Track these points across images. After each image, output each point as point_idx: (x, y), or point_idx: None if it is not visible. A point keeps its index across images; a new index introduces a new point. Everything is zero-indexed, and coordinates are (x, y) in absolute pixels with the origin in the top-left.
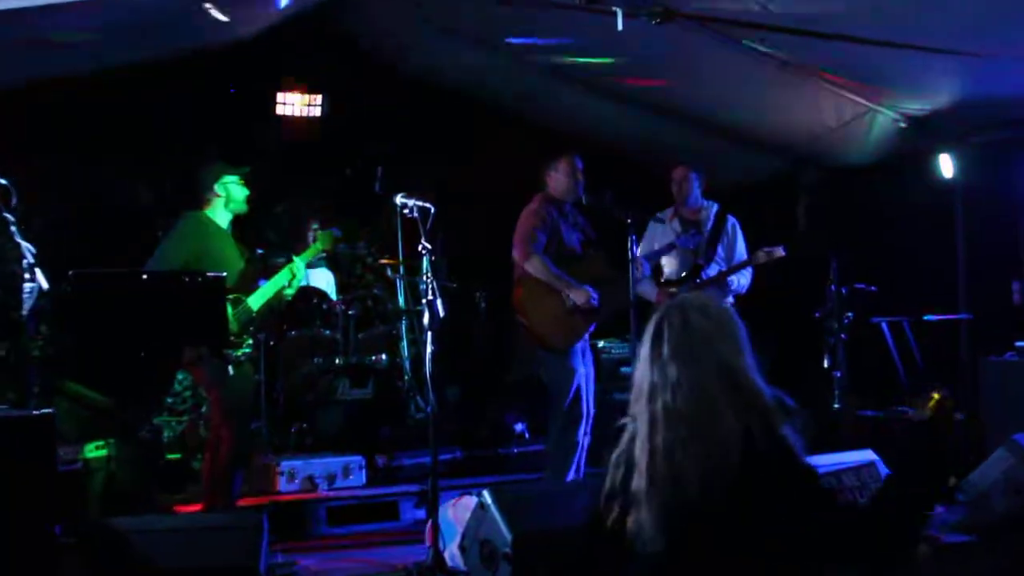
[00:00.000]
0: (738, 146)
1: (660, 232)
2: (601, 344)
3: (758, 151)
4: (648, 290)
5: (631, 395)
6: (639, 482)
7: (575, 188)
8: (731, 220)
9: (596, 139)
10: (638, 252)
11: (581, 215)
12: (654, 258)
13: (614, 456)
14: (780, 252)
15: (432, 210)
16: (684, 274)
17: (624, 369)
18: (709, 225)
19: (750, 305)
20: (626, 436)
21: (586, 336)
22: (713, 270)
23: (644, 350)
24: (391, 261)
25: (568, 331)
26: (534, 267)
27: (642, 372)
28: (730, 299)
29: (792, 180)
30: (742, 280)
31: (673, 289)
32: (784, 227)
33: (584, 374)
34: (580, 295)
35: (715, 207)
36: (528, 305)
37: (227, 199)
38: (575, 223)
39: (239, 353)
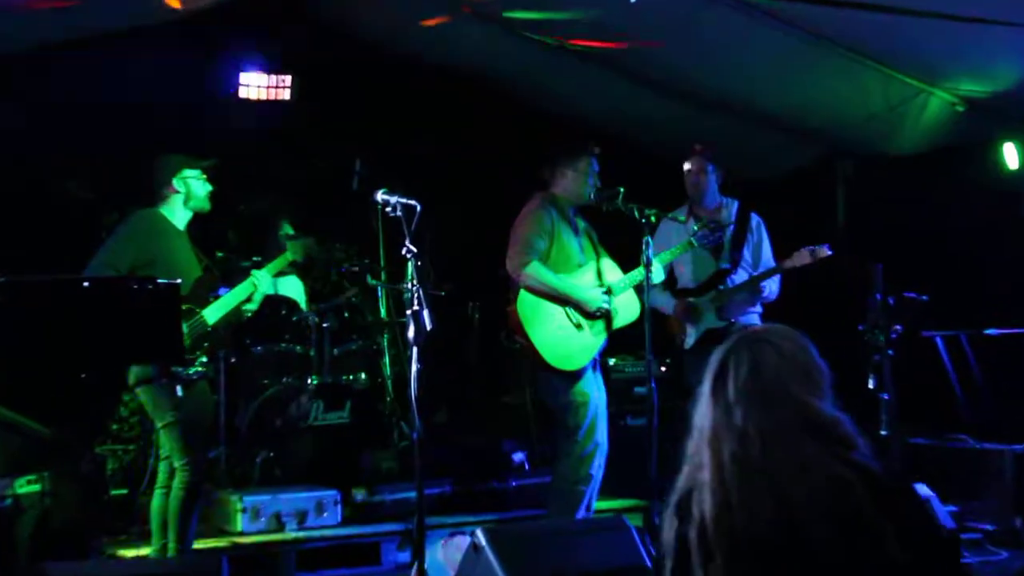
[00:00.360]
0: (769, 134)
1: (676, 233)
2: (612, 362)
3: (792, 139)
4: (662, 301)
5: (691, 436)
6: (718, 542)
7: (587, 192)
8: (755, 218)
9: (605, 125)
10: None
11: (584, 218)
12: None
13: (673, 503)
14: (826, 251)
15: (418, 208)
16: (704, 281)
17: (638, 389)
18: (731, 225)
19: (780, 316)
20: (683, 482)
21: (597, 354)
22: (740, 276)
23: (705, 387)
24: (372, 266)
25: (577, 349)
26: (532, 277)
27: (702, 412)
28: (759, 309)
29: (831, 172)
30: (772, 286)
31: (692, 299)
32: (821, 226)
33: (598, 398)
34: (589, 301)
35: (735, 204)
36: (528, 322)
37: (187, 196)
38: (577, 228)
39: (192, 371)
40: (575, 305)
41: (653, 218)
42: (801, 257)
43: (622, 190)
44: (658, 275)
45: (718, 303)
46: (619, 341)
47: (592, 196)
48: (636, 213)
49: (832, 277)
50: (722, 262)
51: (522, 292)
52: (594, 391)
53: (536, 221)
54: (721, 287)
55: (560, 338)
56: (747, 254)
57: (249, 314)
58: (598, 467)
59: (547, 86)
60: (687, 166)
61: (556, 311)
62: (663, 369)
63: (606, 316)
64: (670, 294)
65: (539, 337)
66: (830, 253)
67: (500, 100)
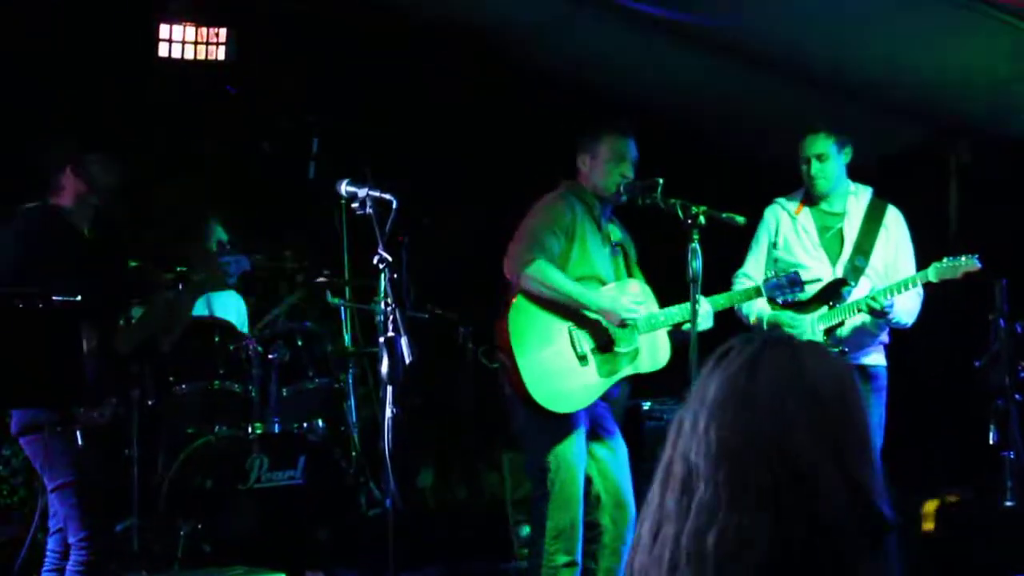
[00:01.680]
0: (859, 110)
1: (788, 228)
2: (647, 406)
3: (890, 116)
4: (758, 308)
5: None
6: None
7: (621, 183)
8: (892, 212)
9: (651, 99)
10: (747, 264)
11: (623, 228)
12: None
13: None
14: (976, 264)
15: (395, 204)
16: (815, 294)
17: None
18: (860, 218)
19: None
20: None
21: (599, 400)
22: (866, 288)
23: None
24: (332, 280)
25: (574, 388)
26: (533, 279)
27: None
28: (884, 339)
29: (940, 159)
30: (908, 305)
31: (804, 314)
32: (925, 229)
33: (586, 450)
34: (612, 311)
35: (869, 193)
36: (517, 336)
37: (88, 188)
38: (608, 235)
39: (97, 413)
40: (588, 318)
41: (703, 219)
42: (943, 269)
43: (660, 181)
44: (706, 321)
45: (827, 324)
46: (657, 378)
47: (622, 189)
48: (679, 211)
49: (939, 297)
50: (839, 270)
51: (519, 298)
52: (582, 450)
53: (551, 214)
54: (833, 303)
55: (554, 368)
56: (876, 261)
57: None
58: (603, 554)
59: (574, 47)
60: (803, 148)
61: (559, 331)
62: None
63: (632, 355)
64: (767, 305)
65: (526, 359)
66: (979, 266)
67: (514, 64)
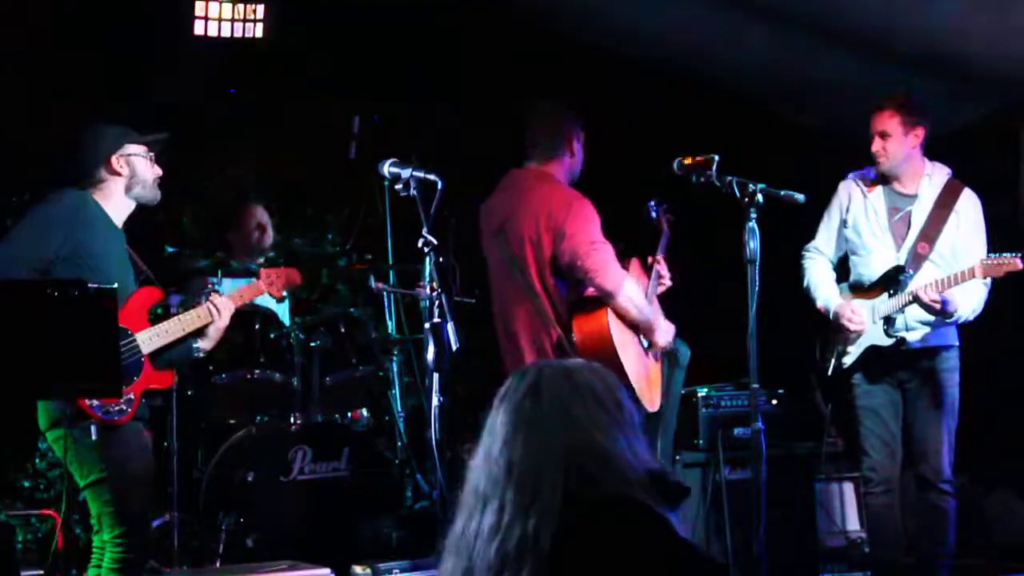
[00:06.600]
0: (919, 80)
1: (858, 206)
2: (703, 392)
3: (954, 87)
4: (826, 295)
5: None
6: None
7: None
8: (969, 197)
9: (699, 71)
10: (818, 237)
11: None
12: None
13: None
14: (1018, 263)
15: (440, 185)
16: (877, 279)
17: (740, 431)
18: (931, 202)
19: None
20: None
21: None
22: (930, 275)
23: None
24: (375, 264)
25: (655, 385)
26: (630, 299)
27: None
28: (955, 337)
29: (1010, 133)
30: (967, 301)
31: (857, 300)
32: (993, 211)
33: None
34: (666, 335)
35: (947, 174)
36: (619, 343)
37: (130, 180)
38: None
39: (115, 409)
40: (654, 331)
41: (760, 196)
42: (978, 268)
43: (716, 158)
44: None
45: (886, 313)
46: (714, 364)
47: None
48: (736, 189)
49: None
50: (902, 256)
51: (586, 315)
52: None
53: (596, 218)
54: (893, 291)
55: (639, 370)
56: (943, 247)
57: (201, 354)
58: None
59: (628, 20)
60: (876, 119)
61: (632, 335)
62: (774, 403)
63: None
64: (835, 286)
65: (630, 367)
66: (1021, 266)
67: (562, 40)
